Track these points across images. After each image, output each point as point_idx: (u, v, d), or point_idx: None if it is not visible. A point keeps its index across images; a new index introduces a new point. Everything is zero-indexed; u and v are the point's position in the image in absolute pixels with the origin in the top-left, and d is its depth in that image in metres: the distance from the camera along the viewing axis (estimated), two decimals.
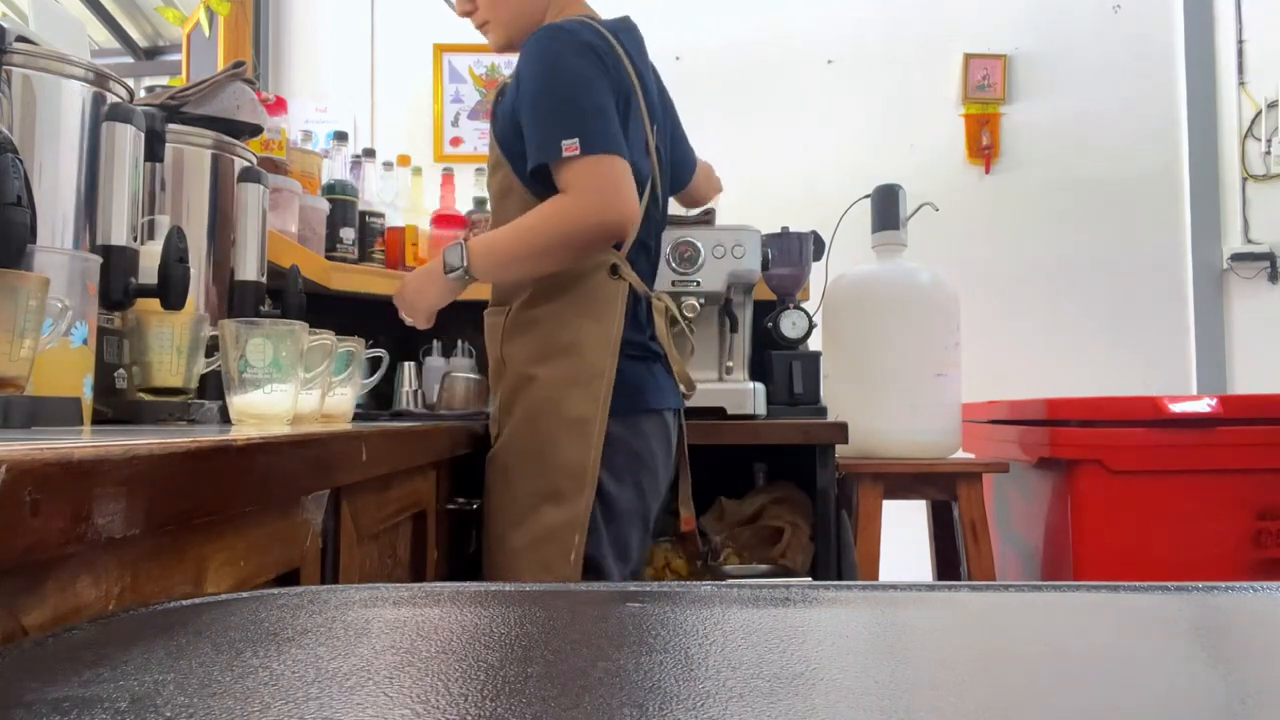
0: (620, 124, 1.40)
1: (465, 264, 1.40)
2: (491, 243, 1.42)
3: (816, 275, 2.13)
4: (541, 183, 1.40)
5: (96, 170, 1.02)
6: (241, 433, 0.71)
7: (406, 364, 2.15)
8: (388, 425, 1.07)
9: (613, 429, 1.40)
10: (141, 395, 1.04)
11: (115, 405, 1.01)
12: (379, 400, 2.13)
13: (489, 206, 1.62)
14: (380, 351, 1.44)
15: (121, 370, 1.03)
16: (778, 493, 1.88)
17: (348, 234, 2.06)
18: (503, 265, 1.42)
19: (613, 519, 1.41)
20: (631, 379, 1.43)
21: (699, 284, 1.81)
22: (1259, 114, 3.17)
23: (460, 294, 1.45)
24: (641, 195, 1.45)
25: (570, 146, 1.34)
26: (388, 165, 2.38)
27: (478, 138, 3.09)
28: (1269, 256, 3.13)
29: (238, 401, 1.01)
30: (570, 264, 1.41)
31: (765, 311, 2.00)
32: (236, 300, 1.28)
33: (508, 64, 2.89)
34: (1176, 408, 1.95)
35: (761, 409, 1.82)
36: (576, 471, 1.38)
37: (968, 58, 3.21)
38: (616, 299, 1.44)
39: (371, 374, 1.45)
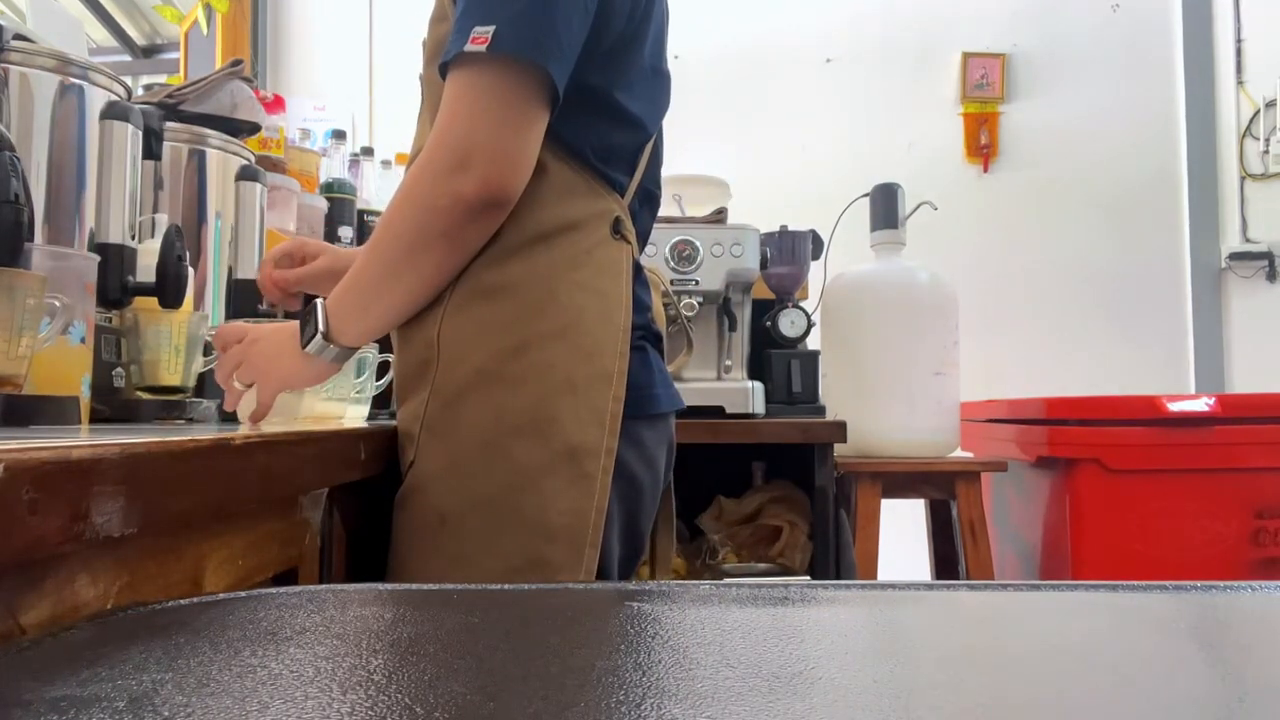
0: (630, 23, 0.99)
1: (323, 327, 0.94)
2: (349, 279, 0.95)
3: (815, 274, 2.13)
4: None
5: (94, 168, 1.02)
6: (239, 431, 0.71)
7: None
8: (388, 424, 1.07)
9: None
10: (139, 394, 1.04)
11: (113, 404, 1.01)
12: (377, 400, 2.13)
13: (421, 120, 1.16)
14: (389, 356, 1.43)
15: (119, 369, 1.03)
16: (776, 491, 1.88)
17: (346, 232, 2.06)
18: (364, 305, 0.94)
19: (601, 577, 0.98)
20: (633, 373, 0.99)
21: (697, 283, 1.81)
22: (1257, 113, 3.17)
23: (334, 374, 1.00)
24: (658, 121, 1.10)
25: (480, 37, 0.88)
26: (386, 164, 2.38)
27: None
28: (1267, 256, 3.13)
29: (244, 402, 1.01)
30: (457, 260, 0.95)
31: (764, 310, 2.00)
32: (236, 299, 1.28)
33: None
34: (1175, 407, 1.95)
35: (760, 408, 1.82)
36: (572, 532, 0.93)
37: (966, 56, 3.21)
38: (622, 268, 1.00)
39: (381, 377, 1.43)
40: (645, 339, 1.05)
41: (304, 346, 0.95)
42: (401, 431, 1.00)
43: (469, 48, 0.88)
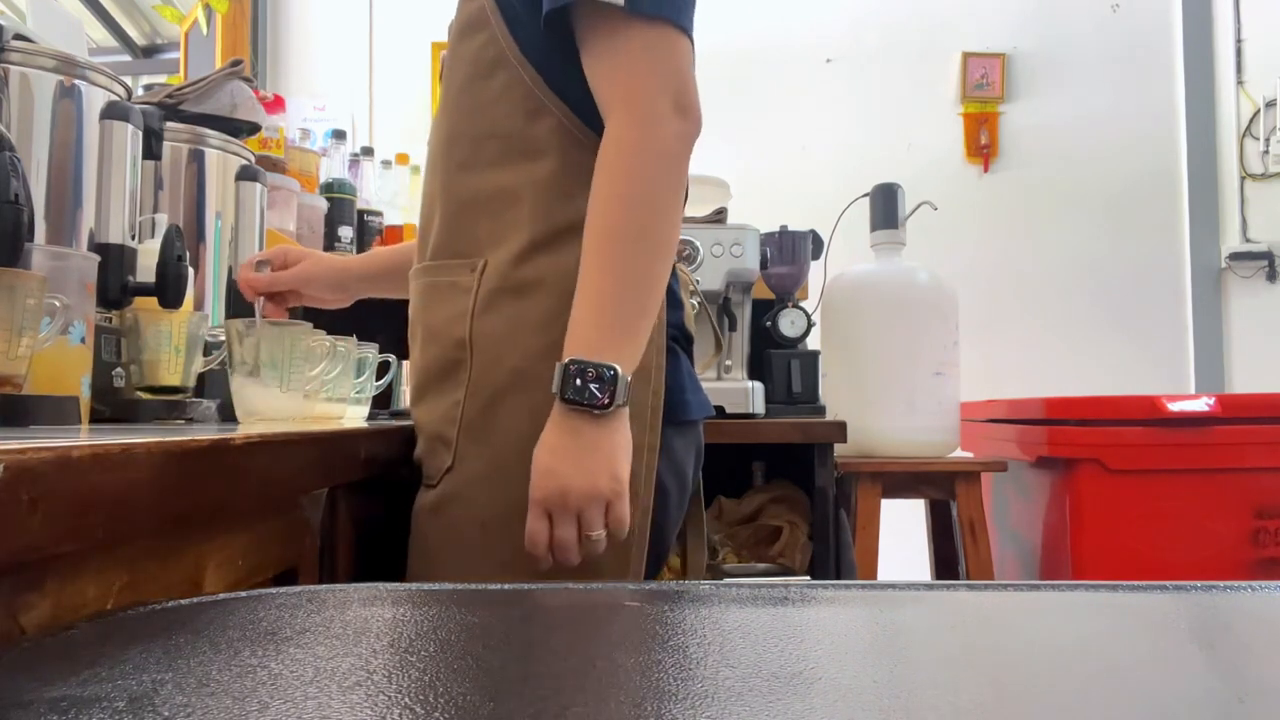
0: None
1: (604, 370, 0.82)
2: (591, 303, 0.85)
3: (815, 274, 2.13)
4: (549, 57, 0.93)
5: (94, 168, 1.02)
6: (239, 431, 0.71)
7: (406, 363, 2.15)
8: (388, 424, 1.07)
9: None
10: (140, 394, 1.04)
11: (113, 404, 1.01)
12: (377, 400, 2.13)
13: (443, 104, 1.02)
14: (390, 356, 1.43)
15: (119, 369, 1.03)
16: (776, 492, 1.88)
17: (346, 232, 2.06)
18: (639, 306, 0.86)
19: None
20: (666, 377, 0.95)
21: (698, 283, 1.81)
22: (1257, 113, 3.17)
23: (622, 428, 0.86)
24: None
25: None
26: (386, 164, 2.38)
27: None
28: (1267, 255, 3.13)
29: (242, 402, 1.01)
30: (678, 222, 0.90)
31: (764, 310, 2.00)
32: (236, 300, 1.28)
33: None
34: (1175, 407, 1.95)
35: (760, 408, 1.82)
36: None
37: (966, 57, 3.21)
38: None
39: (380, 377, 1.43)
40: (677, 340, 1.00)
41: (610, 405, 0.82)
42: (430, 434, 0.96)
43: (648, 8, 0.86)
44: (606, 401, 0.82)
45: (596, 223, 0.86)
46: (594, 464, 0.83)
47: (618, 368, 0.83)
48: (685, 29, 0.89)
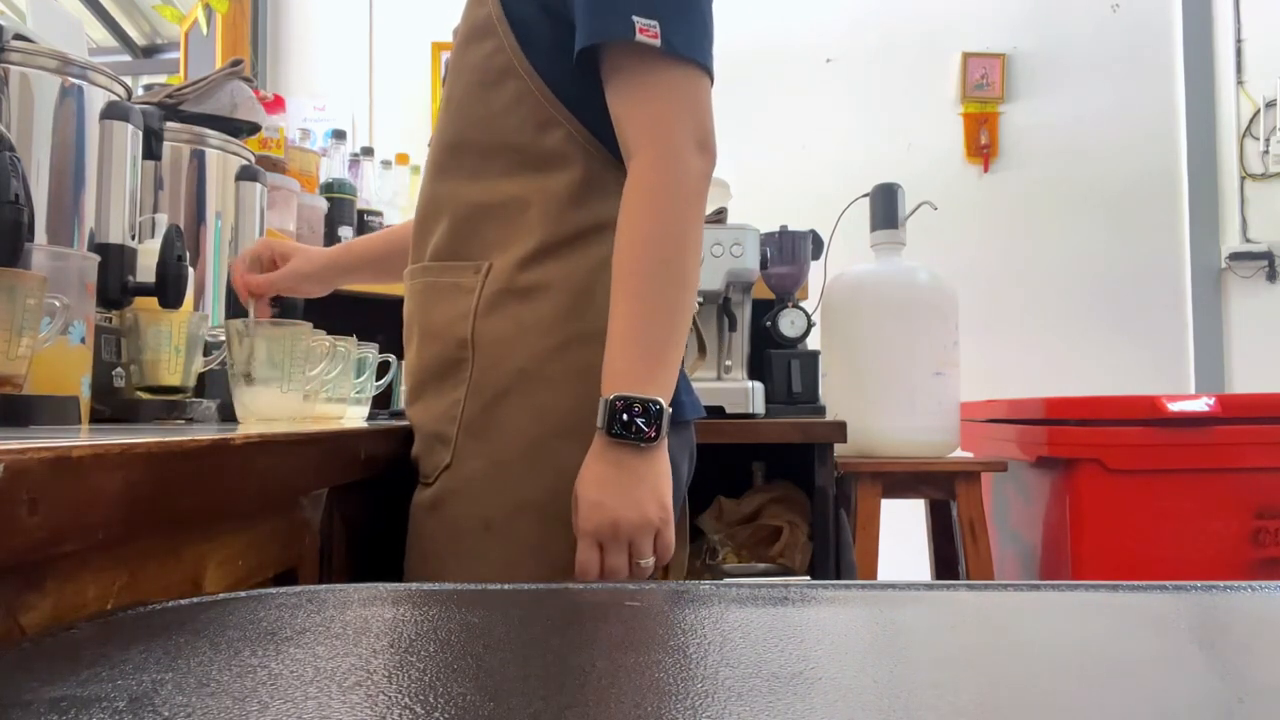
0: None
1: (650, 404, 0.85)
2: (626, 339, 0.87)
3: (815, 274, 2.13)
4: (558, 69, 0.94)
5: (94, 168, 1.02)
6: (239, 431, 0.71)
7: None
8: (387, 424, 1.07)
9: None
10: (139, 394, 1.04)
11: (113, 404, 1.01)
12: (377, 400, 2.13)
13: (446, 108, 1.02)
14: (390, 356, 1.43)
15: (119, 369, 1.03)
16: (776, 492, 1.88)
17: (346, 232, 2.06)
18: (670, 338, 0.89)
19: None
20: None
21: None
22: (1257, 113, 3.17)
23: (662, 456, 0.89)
24: None
25: (647, 29, 0.87)
26: (386, 164, 2.38)
27: None
28: (1267, 256, 3.13)
29: (242, 402, 1.01)
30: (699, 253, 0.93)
31: (764, 310, 2.00)
32: (235, 300, 1.28)
33: None
34: (1175, 407, 1.95)
35: (760, 408, 1.82)
36: None
37: (966, 57, 3.21)
38: None
39: (380, 377, 1.43)
40: None
41: (656, 437, 0.85)
42: (428, 432, 0.96)
43: (641, 37, 0.87)
44: (653, 434, 0.85)
45: (625, 261, 0.89)
46: (641, 495, 0.86)
47: (661, 401, 0.86)
48: (708, 70, 0.92)
